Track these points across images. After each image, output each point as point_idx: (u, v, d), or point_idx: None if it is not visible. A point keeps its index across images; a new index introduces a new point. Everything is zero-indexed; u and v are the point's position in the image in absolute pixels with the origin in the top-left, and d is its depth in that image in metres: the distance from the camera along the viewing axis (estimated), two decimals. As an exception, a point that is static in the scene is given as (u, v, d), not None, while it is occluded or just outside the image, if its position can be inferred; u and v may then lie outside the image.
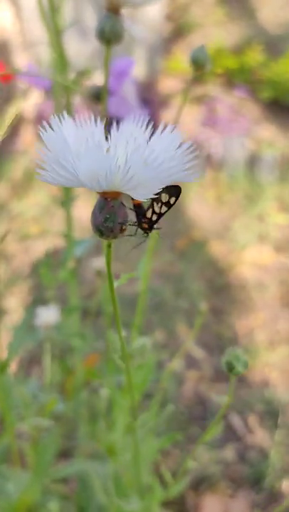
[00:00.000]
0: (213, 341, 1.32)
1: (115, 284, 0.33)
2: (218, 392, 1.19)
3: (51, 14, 0.54)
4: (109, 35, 0.41)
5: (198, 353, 1.28)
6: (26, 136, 2.25)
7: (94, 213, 0.29)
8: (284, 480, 1.01)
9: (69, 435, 0.90)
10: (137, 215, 0.32)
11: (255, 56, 2.51)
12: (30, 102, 2.29)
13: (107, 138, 0.30)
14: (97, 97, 0.50)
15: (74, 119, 0.29)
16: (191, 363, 1.26)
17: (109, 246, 0.31)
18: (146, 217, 0.32)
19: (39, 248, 1.67)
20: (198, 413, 1.14)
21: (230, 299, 1.47)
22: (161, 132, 0.29)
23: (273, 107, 2.41)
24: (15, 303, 1.42)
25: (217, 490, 0.99)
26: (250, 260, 1.63)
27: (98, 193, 0.28)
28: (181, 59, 2.70)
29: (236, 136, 2.14)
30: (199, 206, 1.91)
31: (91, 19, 2.33)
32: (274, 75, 2.42)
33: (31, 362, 1.22)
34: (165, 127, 0.29)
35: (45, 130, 0.27)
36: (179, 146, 0.27)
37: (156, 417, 0.58)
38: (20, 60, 2.18)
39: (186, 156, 0.27)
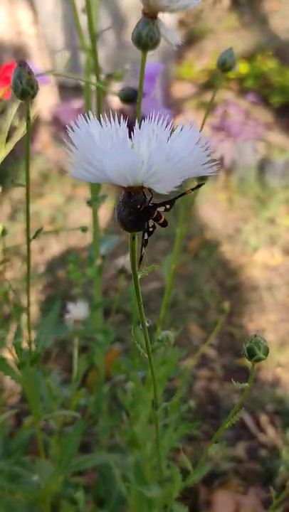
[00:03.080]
0: (224, 341, 1.34)
1: (139, 275, 0.34)
2: (230, 391, 1.21)
3: (88, 20, 0.55)
4: (146, 40, 0.41)
5: (210, 352, 1.30)
6: (42, 137, 2.28)
7: (118, 207, 0.30)
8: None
9: (87, 429, 0.92)
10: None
11: (266, 62, 2.53)
12: (46, 103, 2.32)
13: (130, 136, 0.32)
14: (129, 98, 0.52)
15: (100, 118, 0.31)
16: (203, 362, 1.27)
17: (133, 238, 0.33)
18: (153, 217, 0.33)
19: (54, 247, 1.69)
20: (211, 411, 1.15)
21: (241, 300, 1.48)
22: (181, 130, 0.31)
23: (284, 112, 2.42)
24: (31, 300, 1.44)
25: (229, 486, 1.00)
26: (261, 262, 1.64)
27: (123, 188, 0.30)
28: (193, 64, 2.72)
29: (248, 141, 2.16)
30: (211, 209, 1.93)
31: (104, 25, 2.35)
32: (285, 80, 2.44)
33: (47, 356, 1.23)
34: (184, 125, 0.31)
35: (73, 129, 0.29)
36: (197, 143, 0.29)
37: (176, 412, 0.59)
38: (37, 64, 2.22)
39: (204, 151, 0.29)
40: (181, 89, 2.70)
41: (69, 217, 1.84)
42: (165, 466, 0.61)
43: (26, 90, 0.37)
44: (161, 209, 0.31)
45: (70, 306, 0.70)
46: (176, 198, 0.32)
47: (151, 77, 0.54)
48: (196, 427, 0.53)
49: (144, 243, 0.33)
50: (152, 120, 0.32)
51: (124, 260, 0.74)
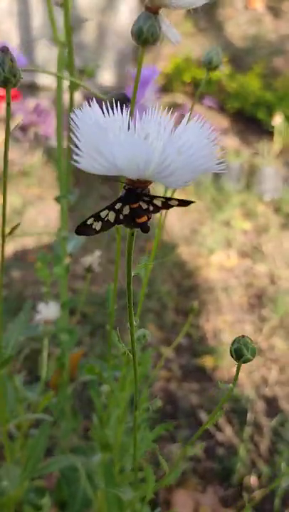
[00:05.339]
0: (181, 342, 1.34)
1: (133, 272, 0.34)
2: (187, 391, 1.21)
3: (64, 12, 0.54)
4: (147, 36, 0.39)
5: (168, 353, 1.30)
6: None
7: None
8: (252, 475, 1.03)
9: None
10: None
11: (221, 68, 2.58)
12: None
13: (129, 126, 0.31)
14: (121, 103, 0.50)
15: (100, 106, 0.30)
16: (159, 361, 1.27)
17: (132, 234, 0.32)
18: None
19: (8, 247, 1.65)
20: (169, 412, 1.15)
21: (198, 301, 1.50)
22: (186, 124, 0.30)
23: (239, 117, 2.48)
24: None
25: (188, 486, 1.01)
26: (217, 264, 1.67)
27: (127, 183, 0.30)
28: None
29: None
30: (168, 211, 1.94)
31: (61, 22, 2.33)
32: (240, 87, 2.49)
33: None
34: (190, 119, 0.30)
35: (79, 118, 0.28)
36: (208, 137, 0.29)
37: (144, 413, 0.58)
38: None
39: (214, 146, 0.28)
40: (138, 92, 2.70)
41: (24, 217, 1.81)
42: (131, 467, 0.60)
43: (8, 78, 0.36)
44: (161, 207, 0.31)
45: (41, 307, 0.68)
46: (185, 202, 0.31)
47: (145, 82, 0.52)
48: (167, 428, 0.52)
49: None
50: (155, 113, 0.32)
51: (91, 259, 0.73)
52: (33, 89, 2.35)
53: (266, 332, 1.39)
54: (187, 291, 1.54)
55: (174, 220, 1.89)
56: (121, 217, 0.30)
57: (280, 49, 2.86)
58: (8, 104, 0.37)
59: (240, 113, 2.47)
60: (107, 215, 0.30)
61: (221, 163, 0.28)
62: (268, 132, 2.38)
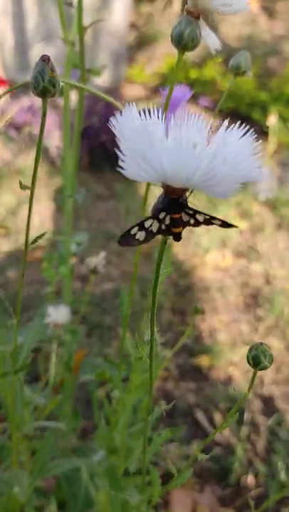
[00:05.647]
0: (178, 341, 1.34)
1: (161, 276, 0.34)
2: (185, 391, 1.22)
3: (78, 11, 0.54)
4: (188, 41, 0.38)
5: (164, 352, 1.30)
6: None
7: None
8: (249, 475, 1.04)
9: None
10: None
11: (216, 68, 2.59)
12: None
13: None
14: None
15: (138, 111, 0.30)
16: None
17: (164, 243, 0.32)
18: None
19: (3, 247, 1.64)
20: (166, 411, 1.15)
21: (194, 301, 1.50)
22: (225, 131, 0.30)
23: (234, 117, 2.48)
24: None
25: (185, 485, 1.01)
26: (212, 263, 1.67)
27: (165, 189, 0.29)
28: (144, 67, 2.74)
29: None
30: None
31: (55, 25, 2.32)
32: (234, 86, 2.50)
33: None
34: (229, 127, 0.30)
35: (121, 123, 0.27)
36: (252, 146, 0.28)
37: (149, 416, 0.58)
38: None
39: (257, 155, 0.28)
40: (132, 92, 2.71)
41: (19, 216, 1.80)
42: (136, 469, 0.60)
43: (47, 88, 0.35)
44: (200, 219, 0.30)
45: (50, 310, 0.68)
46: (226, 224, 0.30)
47: (176, 103, 0.50)
48: (176, 432, 0.52)
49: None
50: (193, 121, 0.31)
51: (96, 260, 0.73)
52: (27, 88, 2.34)
53: (262, 332, 1.40)
54: (183, 290, 1.54)
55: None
56: (163, 227, 0.30)
57: (274, 49, 2.87)
58: (44, 115, 0.36)
59: (235, 113, 2.47)
60: (152, 224, 0.29)
61: (264, 172, 0.28)
62: (262, 132, 2.39)
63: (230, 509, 0.97)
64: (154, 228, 0.30)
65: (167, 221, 0.30)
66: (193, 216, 0.30)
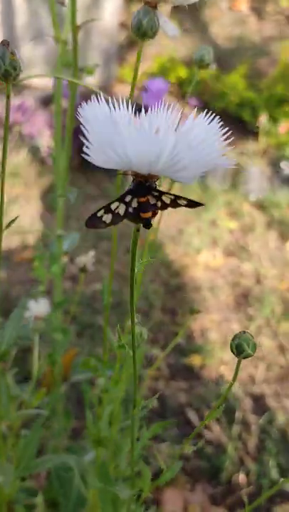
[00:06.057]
0: (169, 341, 1.35)
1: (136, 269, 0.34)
2: (175, 390, 1.22)
3: (71, 10, 0.54)
4: (147, 29, 0.40)
5: (155, 352, 1.30)
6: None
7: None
8: (240, 473, 1.04)
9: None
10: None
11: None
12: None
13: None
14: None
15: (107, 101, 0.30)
16: (148, 361, 1.27)
17: (137, 230, 0.32)
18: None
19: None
20: (157, 410, 1.15)
21: (185, 300, 1.50)
22: (193, 119, 0.30)
23: (224, 116, 2.49)
24: None
25: (177, 484, 1.01)
26: (203, 263, 1.67)
27: (136, 177, 0.29)
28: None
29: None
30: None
31: (44, 23, 2.32)
32: (224, 87, 2.51)
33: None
34: (197, 115, 0.31)
35: (88, 112, 0.28)
36: (217, 132, 0.29)
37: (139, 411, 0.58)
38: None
39: (224, 141, 0.28)
40: (123, 91, 2.71)
41: (8, 216, 1.79)
42: (126, 465, 0.60)
43: (9, 71, 0.36)
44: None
45: (31, 303, 0.69)
46: (193, 203, 0.30)
47: (158, 94, 0.52)
48: (165, 426, 0.52)
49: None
50: (162, 109, 0.32)
51: (86, 259, 0.73)
52: (17, 87, 2.33)
53: (253, 331, 1.40)
54: (174, 290, 1.54)
55: (159, 219, 1.89)
56: (130, 210, 0.30)
57: (264, 50, 2.89)
58: (8, 97, 0.36)
59: (225, 112, 2.48)
60: (118, 207, 0.30)
61: (229, 158, 0.28)
62: (252, 132, 2.40)
63: (221, 507, 0.97)
64: (121, 211, 0.30)
65: (134, 204, 0.30)
66: (159, 198, 0.30)
